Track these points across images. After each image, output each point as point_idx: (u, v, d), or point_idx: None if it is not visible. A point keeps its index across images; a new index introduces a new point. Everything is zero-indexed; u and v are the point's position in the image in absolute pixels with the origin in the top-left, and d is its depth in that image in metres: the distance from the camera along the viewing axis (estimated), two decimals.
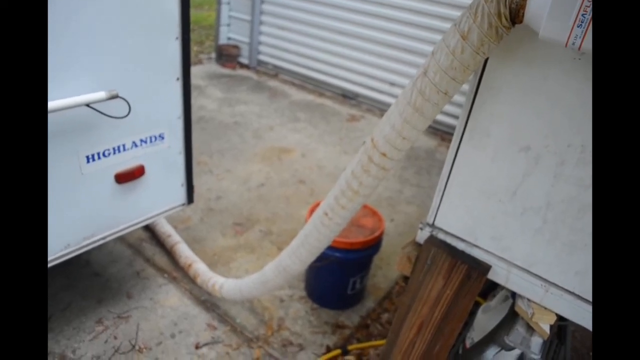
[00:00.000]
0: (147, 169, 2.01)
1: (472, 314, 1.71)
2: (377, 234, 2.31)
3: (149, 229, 2.94)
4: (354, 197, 1.31)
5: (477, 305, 1.69)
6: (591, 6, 0.78)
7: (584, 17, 0.79)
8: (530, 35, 0.97)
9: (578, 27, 0.80)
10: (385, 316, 2.57)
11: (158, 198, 2.17)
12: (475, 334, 1.56)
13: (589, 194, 1.02)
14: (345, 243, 2.24)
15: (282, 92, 5.84)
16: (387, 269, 2.91)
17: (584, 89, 0.95)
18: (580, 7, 0.79)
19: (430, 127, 4.75)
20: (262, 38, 6.43)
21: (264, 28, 6.34)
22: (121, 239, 2.87)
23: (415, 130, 1.11)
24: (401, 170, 4.18)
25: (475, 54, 0.96)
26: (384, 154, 1.18)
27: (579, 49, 0.82)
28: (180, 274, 2.65)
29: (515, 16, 0.89)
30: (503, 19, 0.90)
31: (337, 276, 2.42)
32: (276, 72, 6.47)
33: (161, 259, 2.76)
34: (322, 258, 2.26)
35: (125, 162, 1.93)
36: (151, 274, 2.64)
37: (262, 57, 6.57)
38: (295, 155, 4.23)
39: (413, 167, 4.27)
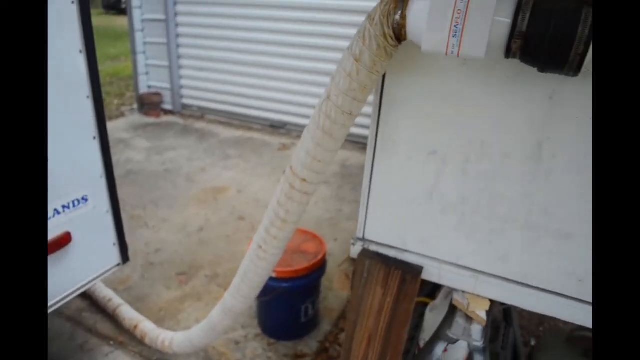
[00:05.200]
0: (73, 235, 1.93)
1: (422, 315, 1.77)
2: (320, 257, 2.34)
3: (87, 296, 2.80)
4: (284, 225, 1.34)
5: (425, 305, 1.75)
6: (462, 17, 0.87)
7: (457, 28, 0.88)
8: (418, 48, 1.05)
9: (453, 37, 0.89)
10: (342, 336, 2.59)
11: (90, 262, 2.08)
12: (425, 334, 1.62)
13: (496, 184, 1.11)
14: (289, 272, 2.25)
15: (210, 133, 5.82)
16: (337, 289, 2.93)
17: (474, 90, 1.05)
18: (452, 20, 0.87)
19: (360, 142, 4.90)
20: (183, 82, 6.41)
21: (183, 72, 6.33)
22: (58, 313, 2.70)
23: (328, 152, 1.17)
24: (337, 189, 4.27)
25: (371, 74, 1.03)
26: (304, 180, 1.22)
27: (458, 55, 0.90)
28: (127, 337, 2.52)
29: (399, 35, 0.97)
30: (389, 39, 0.98)
31: (288, 306, 2.41)
32: (202, 114, 6.44)
33: (104, 326, 2.62)
34: (269, 291, 2.26)
35: (49, 232, 1.84)
36: (96, 344, 2.49)
37: (185, 101, 6.53)
38: (230, 192, 4.21)
39: (349, 185, 4.37)
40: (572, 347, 1.83)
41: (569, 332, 1.99)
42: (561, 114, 0.99)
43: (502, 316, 1.98)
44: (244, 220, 3.73)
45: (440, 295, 1.64)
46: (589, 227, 1.06)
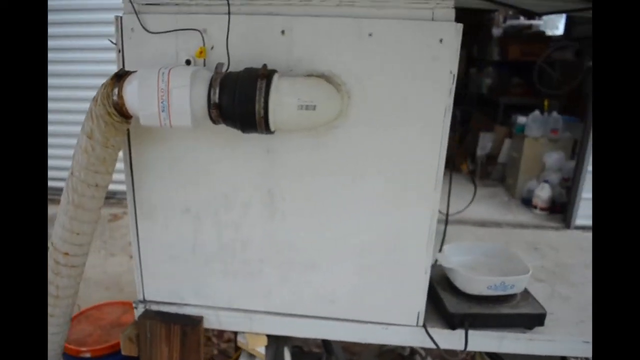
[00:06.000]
0: None
1: None
2: None
3: None
4: (57, 302, 1.31)
5: None
6: (165, 95, 1.00)
7: (164, 104, 1.01)
8: None
9: (162, 112, 1.01)
10: None
11: None
12: None
13: (244, 230, 1.24)
14: (106, 347, 2.14)
15: None
16: None
17: (208, 149, 1.19)
18: (158, 98, 1.00)
19: None
20: None
21: None
22: None
23: (85, 224, 1.20)
24: None
25: (106, 148, 1.11)
26: (66, 254, 1.23)
27: (170, 127, 1.03)
28: None
29: (122, 112, 1.07)
30: (113, 117, 1.07)
31: None
32: None
33: None
34: None
35: None
36: None
37: None
38: None
39: None
40: None
41: (379, 349, 2.22)
42: (280, 163, 1.18)
43: (323, 348, 2.13)
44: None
45: None
46: (329, 255, 1.25)
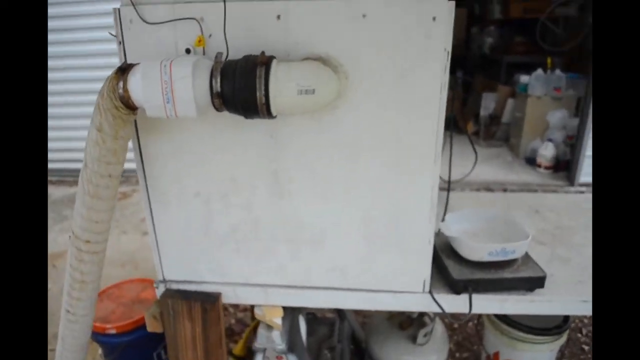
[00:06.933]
0: None
1: None
2: None
3: None
4: (83, 286, 1.39)
5: None
6: (169, 86, 1.03)
7: (168, 96, 1.04)
8: None
9: (167, 103, 1.05)
10: None
11: None
12: None
13: (254, 212, 1.30)
14: (130, 324, 2.24)
15: None
16: None
17: (214, 135, 1.23)
18: (162, 90, 1.03)
19: None
20: None
21: None
22: None
23: (102, 212, 1.26)
24: None
25: (116, 140, 1.15)
26: (88, 241, 1.30)
27: (176, 117, 1.07)
28: None
29: (128, 104, 1.11)
30: (120, 110, 1.11)
31: (139, 358, 2.40)
32: None
33: None
34: (114, 349, 2.23)
35: None
36: None
37: None
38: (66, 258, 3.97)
39: None
40: (391, 322, 2.13)
41: (389, 312, 2.30)
42: (283, 147, 1.22)
43: (336, 314, 2.22)
44: None
45: None
46: (336, 230, 1.30)
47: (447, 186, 1.66)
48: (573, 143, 4.38)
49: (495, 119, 5.27)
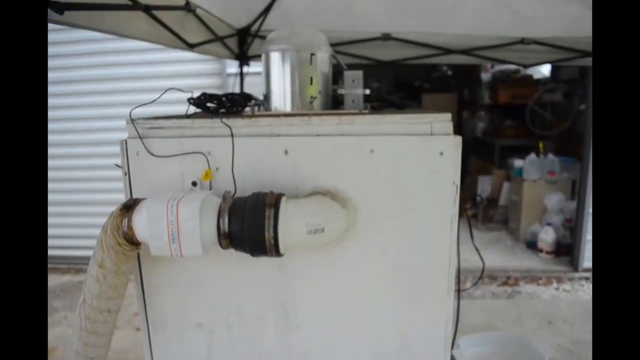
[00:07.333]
0: None
1: None
2: None
3: None
4: None
5: None
6: (175, 226, 1.01)
7: (174, 236, 1.02)
8: None
9: (173, 243, 1.02)
10: None
11: None
12: None
13: (259, 343, 1.23)
14: None
15: None
16: None
17: (219, 269, 1.19)
18: (168, 230, 1.01)
19: None
20: None
21: None
22: None
23: (98, 347, 1.19)
24: None
25: (118, 276, 1.11)
26: None
27: (182, 256, 1.04)
28: None
29: (132, 241, 1.08)
30: (124, 247, 1.08)
31: None
32: None
33: None
34: None
35: None
36: None
37: None
38: (59, 353, 3.78)
39: None
40: None
41: None
42: (291, 278, 1.18)
43: None
44: None
45: None
46: None
47: (457, 295, 1.61)
48: (572, 226, 4.37)
49: (492, 202, 5.30)
